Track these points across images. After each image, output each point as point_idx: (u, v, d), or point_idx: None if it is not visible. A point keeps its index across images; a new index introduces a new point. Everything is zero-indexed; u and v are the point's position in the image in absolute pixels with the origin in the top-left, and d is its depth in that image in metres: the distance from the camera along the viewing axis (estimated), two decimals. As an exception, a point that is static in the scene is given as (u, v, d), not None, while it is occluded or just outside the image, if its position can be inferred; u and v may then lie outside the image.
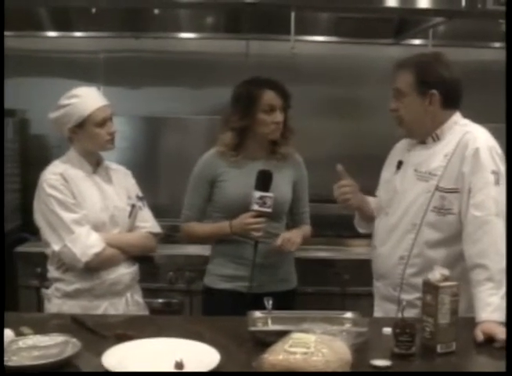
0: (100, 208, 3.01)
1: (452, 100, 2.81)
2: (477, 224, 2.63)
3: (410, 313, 2.54)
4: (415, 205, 2.79)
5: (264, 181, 3.02)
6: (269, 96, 3.14)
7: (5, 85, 4.29)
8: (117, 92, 4.73)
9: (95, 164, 3.10)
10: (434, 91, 2.75)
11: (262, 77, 3.22)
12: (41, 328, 2.34)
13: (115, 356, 2.12)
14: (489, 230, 2.60)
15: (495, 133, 2.79)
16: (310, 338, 2.08)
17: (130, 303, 3.09)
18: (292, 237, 3.13)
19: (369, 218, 3.04)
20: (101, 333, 2.41)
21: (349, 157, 4.71)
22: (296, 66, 4.50)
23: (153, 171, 4.89)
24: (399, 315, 2.32)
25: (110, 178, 3.13)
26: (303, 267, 3.52)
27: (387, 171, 3.02)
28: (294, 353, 2.01)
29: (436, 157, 2.79)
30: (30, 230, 3.62)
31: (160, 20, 4.56)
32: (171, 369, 2.05)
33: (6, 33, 4.33)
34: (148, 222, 3.18)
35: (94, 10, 4.24)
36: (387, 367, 2.15)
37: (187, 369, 2.05)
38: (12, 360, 2.09)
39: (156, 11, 4.41)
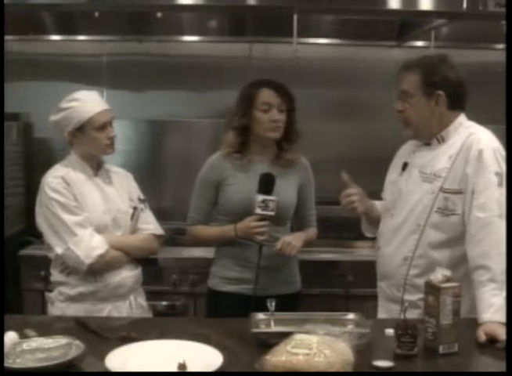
0: (102, 211, 3.02)
1: (457, 101, 2.82)
2: (480, 225, 2.63)
3: (413, 314, 2.55)
4: (419, 206, 2.80)
5: (266, 184, 3.03)
6: (265, 94, 3.15)
7: (9, 89, 4.30)
8: (121, 96, 4.75)
9: (96, 167, 3.11)
10: (441, 92, 2.76)
11: (267, 78, 3.23)
12: (45, 331, 2.35)
13: (118, 358, 2.13)
14: (492, 231, 2.61)
15: (496, 134, 2.80)
16: (312, 339, 2.08)
17: (133, 306, 3.10)
18: (292, 241, 3.13)
19: (377, 223, 3.05)
20: (104, 335, 2.41)
21: (353, 159, 4.74)
22: (299, 69, 4.51)
23: (157, 174, 4.89)
24: (402, 316, 2.33)
25: (111, 180, 3.14)
26: (307, 269, 3.53)
27: (393, 173, 3.03)
28: (297, 354, 2.01)
29: (441, 158, 2.80)
30: (34, 233, 3.62)
31: (164, 24, 4.58)
32: (175, 370, 2.05)
33: (10, 37, 4.36)
34: (150, 224, 3.18)
35: (97, 14, 4.26)
36: (389, 368, 2.16)
37: (190, 370, 2.05)
38: (16, 362, 2.11)
39: (159, 14, 4.43)
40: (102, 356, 2.12)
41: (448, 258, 2.75)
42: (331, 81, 4.87)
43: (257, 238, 3.04)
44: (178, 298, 4.12)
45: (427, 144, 2.87)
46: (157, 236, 3.19)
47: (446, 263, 2.66)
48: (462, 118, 2.85)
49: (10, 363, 2.08)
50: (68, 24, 4.66)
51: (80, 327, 2.52)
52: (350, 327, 2.45)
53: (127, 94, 4.86)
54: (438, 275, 2.34)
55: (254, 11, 4.16)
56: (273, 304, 2.49)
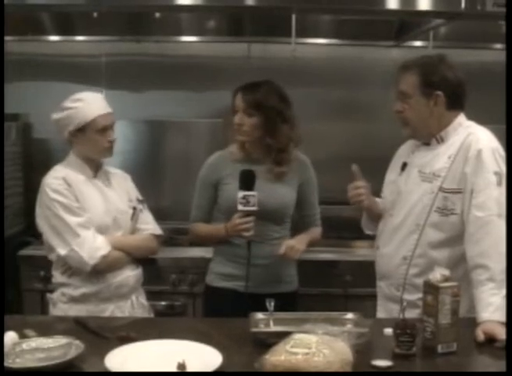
0: (103, 212, 3.02)
1: (456, 101, 2.82)
2: (479, 224, 2.64)
3: (412, 313, 2.56)
4: (419, 206, 2.81)
5: (246, 181, 3.03)
6: (236, 98, 3.18)
7: (8, 89, 4.31)
8: (119, 96, 4.74)
9: (96, 168, 3.11)
10: (439, 92, 2.77)
11: (253, 81, 3.22)
12: (44, 331, 2.36)
13: (118, 358, 2.14)
14: (491, 231, 2.62)
15: (495, 134, 2.81)
16: (311, 338, 2.09)
17: (135, 306, 3.10)
18: (296, 245, 3.13)
19: (377, 220, 3.06)
20: (104, 335, 2.42)
21: (352, 159, 4.66)
22: (297, 69, 4.51)
23: (155, 174, 4.90)
24: (401, 315, 2.34)
25: (111, 181, 3.14)
26: (306, 269, 3.53)
27: (392, 173, 3.04)
28: (296, 354, 2.02)
29: (440, 158, 2.81)
30: (34, 234, 3.62)
31: (162, 24, 4.58)
32: (174, 370, 2.05)
33: (9, 38, 4.36)
34: (149, 224, 3.19)
35: (96, 14, 4.26)
36: (388, 368, 2.16)
37: (189, 370, 2.05)
38: (16, 362, 2.11)
39: (157, 15, 4.44)
40: (101, 356, 2.13)
41: (447, 257, 2.76)
42: (330, 81, 4.87)
43: (244, 234, 3.05)
44: (177, 298, 4.13)
45: (427, 144, 2.88)
46: (156, 236, 3.19)
47: (445, 263, 2.67)
48: (461, 118, 2.86)
49: (10, 363, 2.09)
50: (67, 25, 4.66)
51: (79, 327, 2.52)
52: (349, 326, 2.46)
53: (125, 94, 4.86)
54: (437, 274, 2.34)
55: (253, 11, 4.15)
56: (272, 304, 2.50)
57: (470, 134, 2.79)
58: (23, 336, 2.31)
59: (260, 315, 2.52)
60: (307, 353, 2.01)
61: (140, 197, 3.22)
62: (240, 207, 3.00)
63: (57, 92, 3.12)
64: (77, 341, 2.21)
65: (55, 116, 3.03)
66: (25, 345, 2.22)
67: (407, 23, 4.60)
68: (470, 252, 2.64)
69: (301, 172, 3.30)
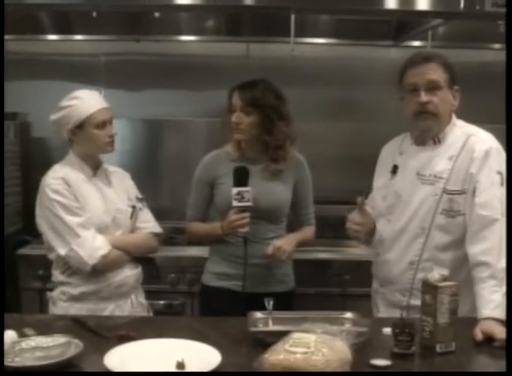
0: (103, 211, 3.02)
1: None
2: (484, 223, 2.64)
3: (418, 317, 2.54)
4: (422, 209, 2.79)
5: (239, 177, 3.03)
6: (233, 97, 3.18)
7: (6, 88, 4.30)
8: (118, 95, 4.75)
9: (95, 167, 3.11)
10: (457, 87, 2.76)
11: (249, 80, 3.22)
12: (43, 329, 2.36)
13: (117, 357, 2.14)
14: (496, 229, 2.63)
15: (494, 134, 2.81)
16: (310, 337, 2.09)
17: (135, 305, 3.11)
18: (283, 246, 3.12)
19: (372, 234, 3.01)
20: (103, 334, 2.42)
21: (350, 158, 4.75)
22: (296, 69, 4.52)
23: (154, 173, 4.90)
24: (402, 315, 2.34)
25: (110, 180, 3.14)
26: (303, 268, 3.54)
27: (381, 177, 3.01)
28: (295, 353, 2.02)
29: (440, 159, 2.79)
30: (32, 233, 3.63)
31: (161, 23, 4.58)
32: (173, 369, 2.06)
33: (8, 37, 4.35)
34: (149, 223, 3.20)
35: (95, 14, 4.25)
36: (386, 367, 2.17)
37: (188, 369, 2.06)
38: (15, 361, 2.12)
39: (156, 14, 4.43)
40: (100, 355, 2.13)
41: (452, 259, 2.76)
42: (328, 81, 4.87)
43: (240, 230, 3.05)
44: (176, 297, 4.13)
45: (421, 145, 2.86)
46: (156, 235, 3.21)
47: (451, 264, 2.68)
48: (454, 118, 2.86)
49: (9, 361, 2.09)
50: (66, 24, 4.66)
51: (78, 326, 2.53)
52: (348, 325, 2.47)
53: (124, 93, 4.86)
54: (435, 274, 2.35)
55: (251, 11, 4.15)
56: (271, 303, 2.50)
57: (471, 135, 2.79)
58: (22, 335, 2.31)
59: (258, 314, 2.53)
60: (306, 352, 2.02)
61: (140, 196, 3.23)
62: (235, 203, 3.00)
63: (56, 92, 3.11)
64: (76, 340, 2.22)
65: (53, 117, 3.04)
66: (24, 344, 2.22)
67: (406, 23, 4.61)
68: (473, 250, 2.65)
69: (296, 171, 3.30)
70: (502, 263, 2.54)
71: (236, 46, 4.83)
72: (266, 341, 2.21)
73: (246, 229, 3.05)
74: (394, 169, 2.91)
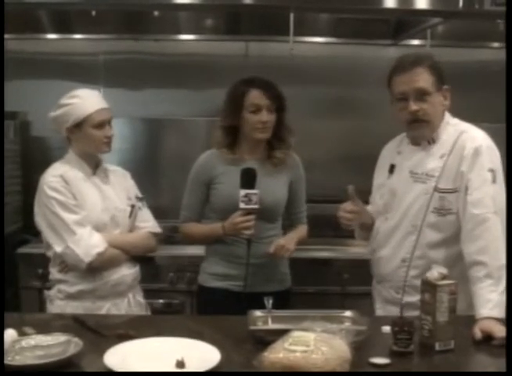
0: (101, 209, 3.03)
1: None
2: (477, 221, 2.64)
3: (413, 315, 2.55)
4: (414, 207, 2.80)
5: (247, 179, 3.01)
6: (254, 95, 3.12)
7: (6, 88, 4.31)
8: (117, 94, 4.74)
9: (94, 165, 3.11)
10: (446, 86, 2.76)
11: (256, 76, 3.20)
12: (43, 328, 2.36)
13: (117, 356, 2.14)
14: (489, 228, 2.62)
15: (492, 133, 2.80)
16: (310, 336, 2.09)
17: (132, 304, 3.11)
18: (286, 244, 3.13)
19: (370, 228, 3.02)
20: (102, 333, 2.42)
21: (349, 157, 4.76)
22: (295, 67, 4.52)
23: (153, 172, 4.90)
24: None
25: (109, 179, 3.14)
26: (302, 267, 3.54)
27: (380, 176, 3.01)
28: (294, 351, 2.02)
29: (432, 158, 2.79)
30: (32, 232, 3.63)
31: (160, 22, 4.59)
32: (173, 368, 2.07)
33: (7, 36, 4.36)
34: (148, 222, 3.20)
35: (94, 13, 4.27)
36: (386, 365, 2.17)
37: (188, 368, 2.07)
38: (15, 360, 2.12)
39: (155, 13, 4.44)
40: (100, 354, 2.14)
41: (444, 257, 2.75)
42: (327, 80, 4.87)
43: (245, 233, 3.04)
44: (175, 296, 4.13)
45: (416, 144, 2.86)
46: (155, 234, 3.20)
47: (443, 262, 2.66)
48: (447, 117, 2.85)
49: (9, 360, 2.09)
50: (65, 23, 4.67)
51: (78, 325, 2.53)
52: (347, 324, 2.47)
53: (123, 92, 4.87)
54: (434, 272, 2.35)
55: (251, 10, 4.16)
56: (270, 301, 2.51)
57: (463, 132, 2.78)
58: (22, 333, 2.31)
59: (258, 313, 2.53)
60: (305, 351, 2.02)
61: (139, 195, 3.23)
62: (242, 206, 2.98)
63: (55, 90, 3.12)
64: (76, 339, 2.21)
65: (53, 114, 3.05)
66: (24, 343, 2.22)
67: (405, 22, 4.61)
68: (468, 249, 2.64)
69: (292, 171, 3.30)
70: (498, 261, 2.54)
71: (235, 45, 4.84)
72: (266, 339, 2.22)
73: (251, 231, 3.03)
74: (392, 168, 2.92)
